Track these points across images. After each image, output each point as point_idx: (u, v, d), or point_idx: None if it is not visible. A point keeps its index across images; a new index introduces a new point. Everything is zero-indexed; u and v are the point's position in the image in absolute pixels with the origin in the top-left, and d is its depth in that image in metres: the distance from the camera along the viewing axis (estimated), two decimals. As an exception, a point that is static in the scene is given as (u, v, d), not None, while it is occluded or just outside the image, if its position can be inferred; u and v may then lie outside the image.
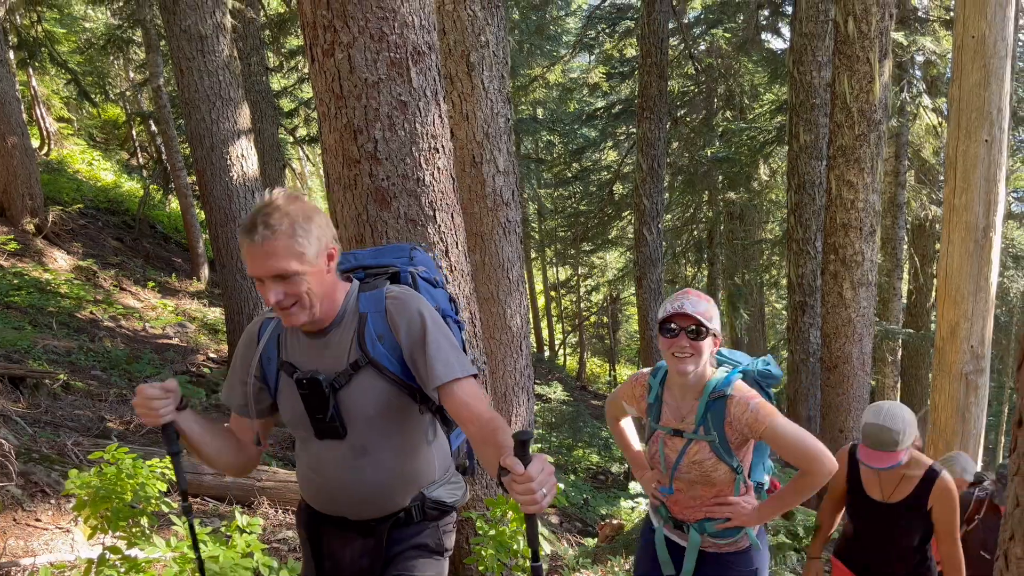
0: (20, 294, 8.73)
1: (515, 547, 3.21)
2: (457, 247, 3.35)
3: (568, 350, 25.67)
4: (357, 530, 2.06)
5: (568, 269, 25.00)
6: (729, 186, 15.26)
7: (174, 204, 15.85)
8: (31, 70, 14.67)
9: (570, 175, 17.85)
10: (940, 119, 11.81)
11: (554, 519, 6.50)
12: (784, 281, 13.60)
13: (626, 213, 16.73)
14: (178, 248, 14.81)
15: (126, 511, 2.89)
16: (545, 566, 3.31)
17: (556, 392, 14.64)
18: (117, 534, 2.88)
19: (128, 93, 18.46)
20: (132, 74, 18.76)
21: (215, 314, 11.54)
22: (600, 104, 17.50)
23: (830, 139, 6.75)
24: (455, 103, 4.77)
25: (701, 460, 2.45)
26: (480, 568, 3.27)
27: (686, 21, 14.57)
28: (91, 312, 9.34)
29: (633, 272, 13.16)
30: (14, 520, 3.71)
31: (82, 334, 8.39)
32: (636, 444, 2.87)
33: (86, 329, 8.66)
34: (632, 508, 6.41)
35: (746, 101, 15.61)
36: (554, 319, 26.80)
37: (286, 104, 16.08)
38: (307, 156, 19.71)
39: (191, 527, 2.12)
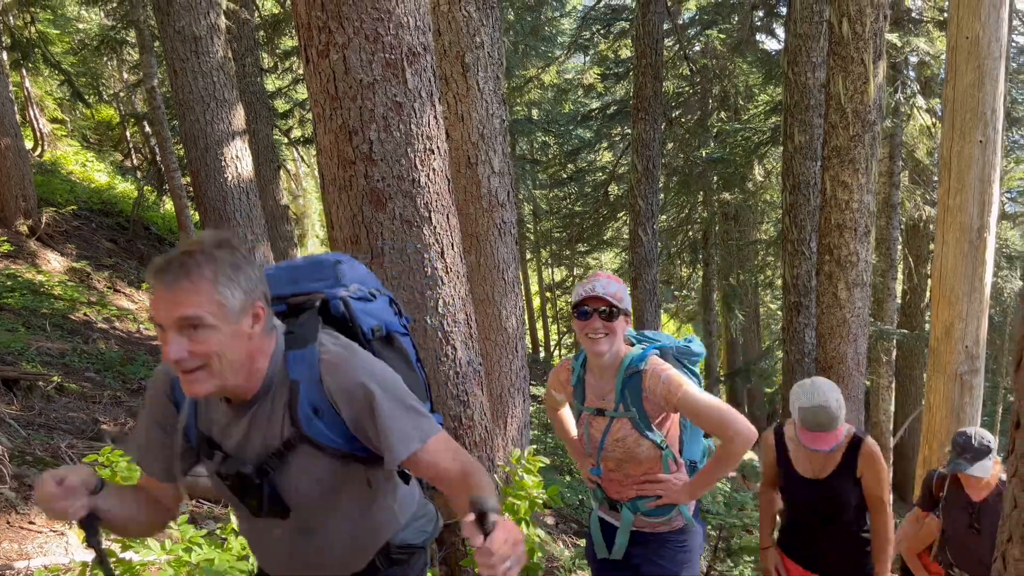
0: (13, 296, 8.68)
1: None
2: (453, 248, 3.35)
3: (563, 351, 25.65)
4: None
5: (563, 270, 25.01)
6: (724, 187, 15.28)
7: (168, 205, 15.79)
8: (24, 71, 14.61)
9: (565, 176, 17.86)
10: (934, 120, 11.84)
11: (550, 520, 6.50)
12: (779, 282, 13.61)
13: (621, 214, 16.74)
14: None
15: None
16: (542, 568, 3.31)
17: (552, 393, 14.59)
18: (111, 537, 2.87)
19: (122, 94, 18.39)
20: (126, 75, 18.70)
21: (210, 316, 11.47)
22: (595, 105, 17.51)
23: (825, 140, 6.76)
24: (450, 104, 4.76)
25: (623, 437, 2.48)
26: (476, 569, 3.26)
27: (681, 22, 14.59)
28: (85, 314, 9.31)
29: (628, 273, 13.16)
30: (8, 523, 3.69)
31: (76, 336, 8.36)
32: (574, 432, 2.87)
33: (80, 331, 8.62)
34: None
35: (741, 102, 15.64)
36: (549, 320, 26.79)
37: (281, 105, 16.05)
38: (302, 157, 19.66)
39: None
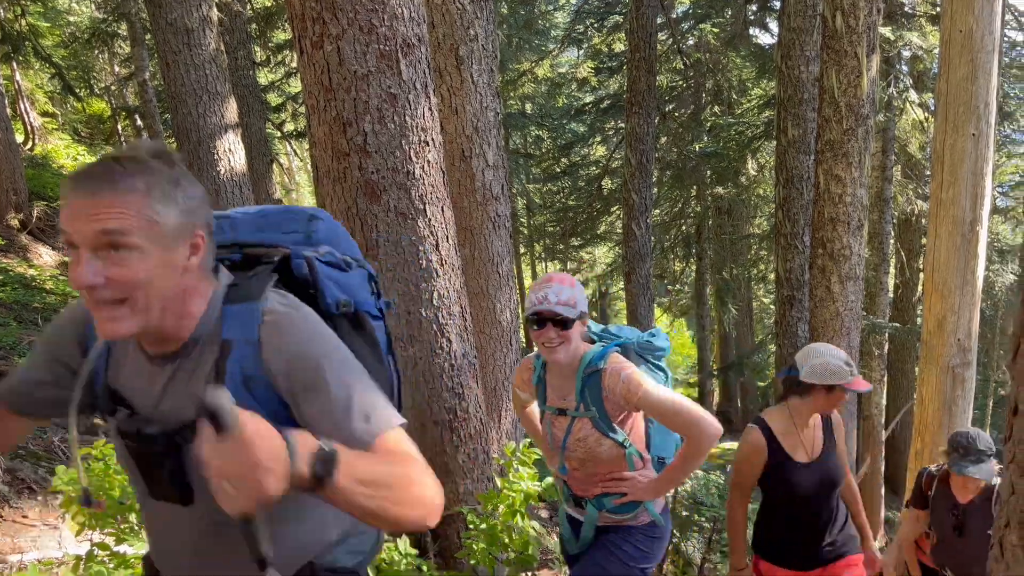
0: (5, 290, 8.64)
1: (506, 540, 3.21)
2: (448, 241, 3.34)
3: (557, 345, 25.66)
4: None
5: (557, 264, 24.99)
6: (717, 181, 15.30)
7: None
8: (15, 64, 14.51)
9: (559, 170, 17.83)
10: (927, 114, 11.86)
11: (544, 513, 6.51)
12: (772, 276, 13.66)
13: (615, 208, 16.73)
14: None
15: (114, 507, 2.87)
16: (536, 559, 3.32)
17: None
18: (105, 530, 2.86)
19: (113, 87, 18.29)
20: (117, 68, 18.59)
21: (203, 310, 11.45)
22: (589, 99, 17.50)
23: (818, 134, 6.77)
24: (444, 97, 4.76)
25: (585, 437, 2.43)
26: (471, 561, 3.27)
27: (674, 16, 14.57)
28: (77, 308, 9.26)
29: (622, 267, 13.18)
30: (1, 517, 3.68)
31: (68, 330, 8.32)
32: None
33: (72, 325, 8.58)
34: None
35: (734, 96, 15.65)
36: (543, 314, 26.77)
37: (273, 99, 15.98)
38: (295, 151, 19.60)
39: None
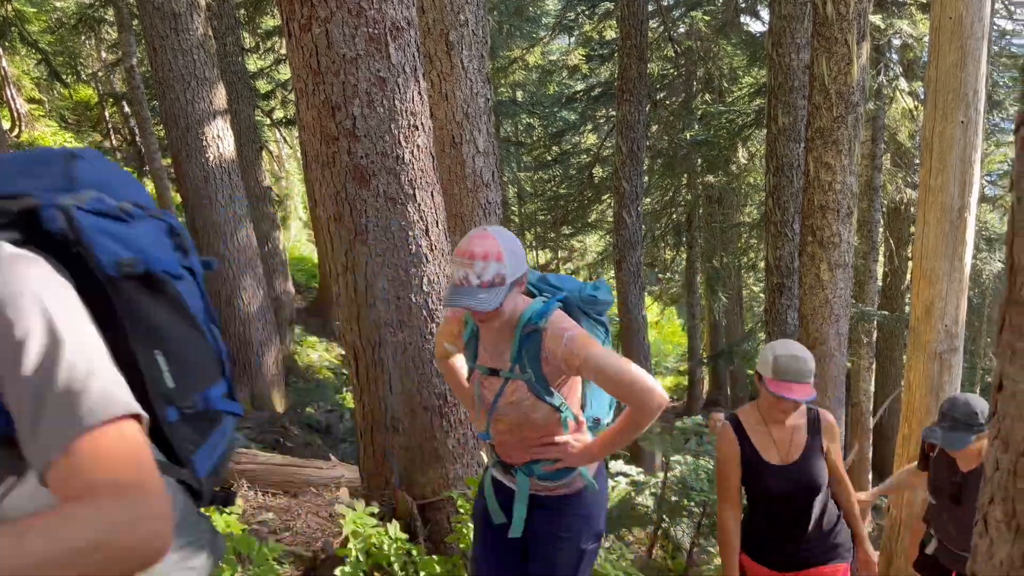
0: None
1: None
2: (438, 226, 3.34)
3: (548, 334, 25.71)
4: None
5: (548, 253, 24.99)
6: (708, 169, 15.31)
7: (149, 187, 15.63)
8: (1, 50, 14.36)
9: (550, 158, 17.82)
10: (916, 103, 11.89)
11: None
12: (762, 264, 13.69)
13: (605, 196, 16.74)
14: None
15: None
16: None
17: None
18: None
19: (100, 73, 18.12)
20: (104, 54, 18.42)
21: (192, 298, 11.40)
22: (580, 87, 17.46)
23: (808, 121, 6.78)
24: (434, 83, 4.74)
25: (519, 400, 2.19)
26: (461, 545, 3.28)
27: (665, 3, 14.54)
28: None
29: (612, 255, 13.19)
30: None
31: (56, 318, 8.27)
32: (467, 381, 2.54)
33: (60, 313, 8.53)
34: (611, 487, 6.46)
35: (725, 84, 15.64)
36: (534, 303, 26.79)
37: (262, 86, 15.88)
38: (284, 139, 19.48)
39: None
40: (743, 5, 13.50)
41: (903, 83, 11.70)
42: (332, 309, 13.63)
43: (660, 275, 20.55)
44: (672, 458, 5.49)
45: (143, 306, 1.16)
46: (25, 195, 1.10)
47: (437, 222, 3.33)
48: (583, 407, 2.39)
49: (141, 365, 1.11)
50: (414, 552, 3.23)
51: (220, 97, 7.59)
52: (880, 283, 14.52)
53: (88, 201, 1.13)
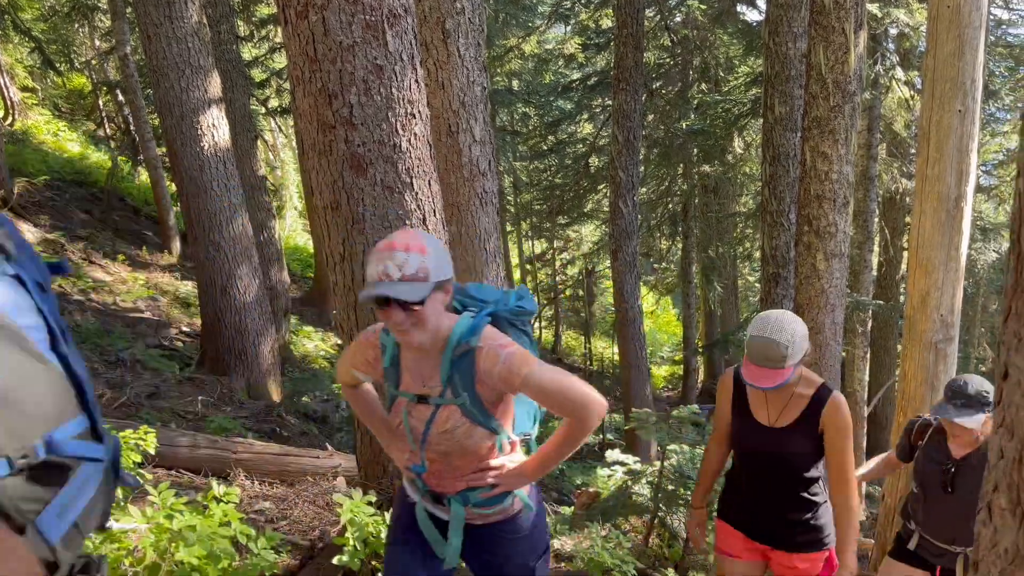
0: (-14, 267, 8.54)
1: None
2: (435, 215, 3.32)
3: (543, 323, 25.74)
4: None
5: (544, 242, 25.00)
6: (704, 159, 15.30)
7: (143, 176, 15.56)
8: (-8, 37, 14.27)
9: (546, 148, 17.78)
10: (912, 92, 11.90)
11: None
12: (757, 253, 13.70)
13: (601, 186, 16.72)
14: (148, 221, 14.57)
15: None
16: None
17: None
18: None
19: (94, 62, 18.00)
20: (98, 42, 18.29)
21: (187, 287, 11.39)
22: (576, 76, 17.40)
23: (805, 111, 6.76)
24: (430, 71, 4.71)
25: (453, 428, 2.02)
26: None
27: (662, -8, 14.49)
28: (59, 286, 9.18)
29: (608, 245, 13.19)
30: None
31: (51, 307, 8.24)
32: (380, 408, 2.36)
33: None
34: (608, 476, 6.48)
35: (721, 73, 15.61)
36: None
37: (257, 75, 15.80)
38: (279, 128, 19.43)
39: None
40: (740, -6, 13.46)
41: (899, 72, 11.70)
42: (328, 298, 13.62)
43: (656, 264, 20.58)
44: (668, 447, 5.51)
45: None
46: None
47: (434, 211, 3.32)
48: (513, 427, 2.25)
49: None
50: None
51: (215, 85, 7.55)
52: (875, 273, 14.56)
53: None
